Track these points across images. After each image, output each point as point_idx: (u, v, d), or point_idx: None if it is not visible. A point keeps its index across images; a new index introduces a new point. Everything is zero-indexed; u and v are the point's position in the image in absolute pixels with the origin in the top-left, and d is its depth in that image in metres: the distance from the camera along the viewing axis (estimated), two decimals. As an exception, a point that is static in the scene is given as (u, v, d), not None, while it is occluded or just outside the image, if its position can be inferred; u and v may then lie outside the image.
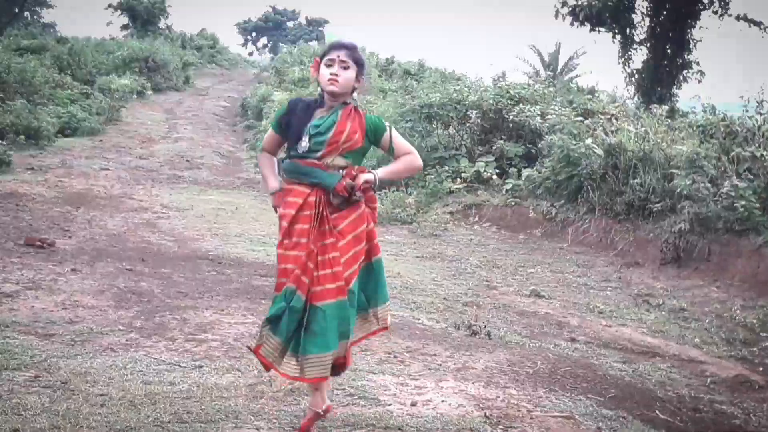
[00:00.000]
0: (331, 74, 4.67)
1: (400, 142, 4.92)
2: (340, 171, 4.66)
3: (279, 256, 4.73)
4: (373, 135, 4.80)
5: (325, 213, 4.65)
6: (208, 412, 5.11)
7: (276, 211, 4.83)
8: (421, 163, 5.02)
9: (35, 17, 56.04)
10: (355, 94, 4.85)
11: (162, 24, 52.48)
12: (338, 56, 4.68)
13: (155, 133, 25.44)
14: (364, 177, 4.67)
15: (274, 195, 4.89)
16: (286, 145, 4.88)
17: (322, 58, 4.77)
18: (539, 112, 17.76)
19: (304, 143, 4.67)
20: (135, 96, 30.58)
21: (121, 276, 9.10)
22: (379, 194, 15.79)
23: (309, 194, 4.65)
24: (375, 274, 5.01)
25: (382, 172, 4.79)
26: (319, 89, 4.84)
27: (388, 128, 4.85)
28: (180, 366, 6.09)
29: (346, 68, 4.69)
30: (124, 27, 52.09)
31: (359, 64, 4.74)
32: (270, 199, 4.97)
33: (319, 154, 4.67)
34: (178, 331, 7.17)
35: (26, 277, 8.49)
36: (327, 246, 4.64)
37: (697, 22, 27.86)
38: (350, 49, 4.74)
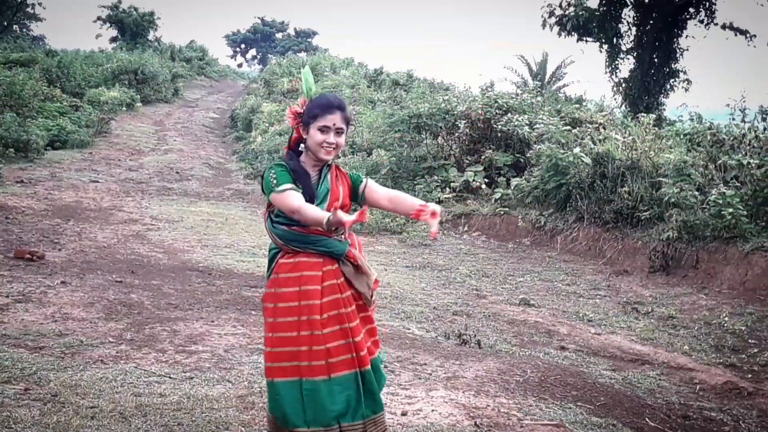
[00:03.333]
0: (327, 143, 4.36)
1: (379, 188, 4.67)
2: (342, 237, 4.45)
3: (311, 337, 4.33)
4: (353, 191, 4.59)
5: (341, 281, 4.43)
6: (198, 423, 5.12)
7: (342, 223, 4.12)
8: None
9: (24, 30, 56.05)
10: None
11: (151, 36, 52.62)
12: (334, 123, 4.36)
13: (145, 145, 25.44)
14: (434, 206, 4.42)
15: (334, 217, 4.15)
16: (273, 210, 4.47)
17: (310, 118, 4.40)
18: (527, 122, 17.84)
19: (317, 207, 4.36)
20: (124, 108, 30.60)
21: (111, 288, 9.09)
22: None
23: (324, 263, 4.39)
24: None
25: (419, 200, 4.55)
26: (301, 145, 4.52)
27: (364, 180, 4.63)
28: (170, 378, 6.10)
29: (340, 134, 4.42)
30: (113, 39, 52.22)
31: (348, 125, 4.52)
32: (332, 219, 4.13)
33: None
34: (168, 342, 7.18)
35: (16, 289, 8.49)
36: (346, 315, 4.42)
37: (684, 31, 28.12)
38: (343, 110, 4.44)
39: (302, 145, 4.49)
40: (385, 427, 4.47)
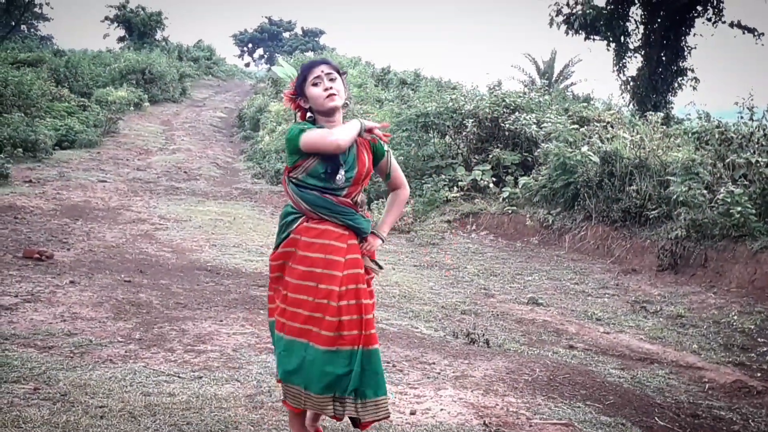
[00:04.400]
0: (325, 90, 4.36)
1: (396, 168, 4.67)
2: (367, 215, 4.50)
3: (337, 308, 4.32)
4: (376, 159, 4.57)
5: (358, 256, 4.42)
6: (207, 422, 5.12)
7: (364, 129, 4.38)
8: (409, 190, 4.78)
9: (32, 30, 56.23)
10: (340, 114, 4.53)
11: (158, 36, 52.74)
12: (322, 71, 4.40)
13: (152, 145, 25.47)
14: (376, 244, 4.52)
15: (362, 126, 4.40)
16: (303, 167, 4.41)
17: (301, 83, 4.45)
18: (535, 120, 17.80)
19: (340, 176, 4.35)
20: (132, 108, 30.65)
21: (120, 288, 9.11)
22: (377, 203, 15.84)
23: (349, 236, 4.40)
24: None
25: (386, 229, 4.62)
26: (308, 116, 4.51)
27: (387, 152, 4.61)
28: (179, 377, 6.10)
29: (333, 79, 4.39)
30: (121, 39, 52.31)
31: (341, 72, 4.50)
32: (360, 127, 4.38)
33: (345, 192, 4.41)
34: (177, 342, 7.19)
35: (25, 289, 8.50)
36: (362, 291, 4.38)
37: (692, 29, 28.07)
38: (326, 63, 4.48)
39: (309, 115, 4.51)
40: (387, 413, 4.42)
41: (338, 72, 4.47)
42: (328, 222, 4.37)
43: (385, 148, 4.59)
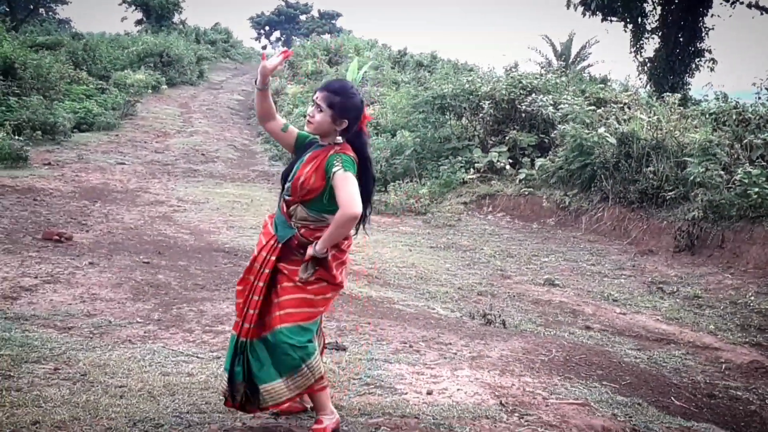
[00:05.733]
0: (307, 114, 4.64)
1: (337, 188, 4.44)
2: (299, 224, 4.62)
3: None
4: (329, 175, 4.51)
5: (272, 258, 4.63)
6: (226, 401, 5.15)
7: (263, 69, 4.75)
8: (350, 213, 4.36)
9: (50, 14, 56.31)
10: (339, 138, 4.61)
11: (176, 19, 52.66)
12: (317, 98, 4.58)
13: (170, 128, 25.51)
14: (309, 252, 4.55)
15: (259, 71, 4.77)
16: None
17: None
18: (552, 102, 17.74)
19: (286, 184, 4.69)
20: (150, 91, 30.66)
21: (139, 269, 9.17)
22: (393, 185, 15.87)
23: (272, 237, 4.68)
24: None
25: (319, 245, 4.51)
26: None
27: (333, 172, 4.46)
28: (198, 357, 6.16)
29: (320, 111, 4.55)
30: (139, 22, 52.26)
31: (334, 108, 4.54)
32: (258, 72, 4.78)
33: (288, 201, 4.68)
34: (196, 322, 7.24)
35: (44, 270, 8.57)
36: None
37: (709, 10, 27.84)
38: (330, 91, 4.58)
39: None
40: (279, 400, 4.61)
41: (331, 106, 4.55)
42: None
43: (334, 169, 4.46)
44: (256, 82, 4.76)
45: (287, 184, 4.64)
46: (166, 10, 51.05)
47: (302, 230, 4.59)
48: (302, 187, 4.53)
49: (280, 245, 4.61)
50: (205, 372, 5.74)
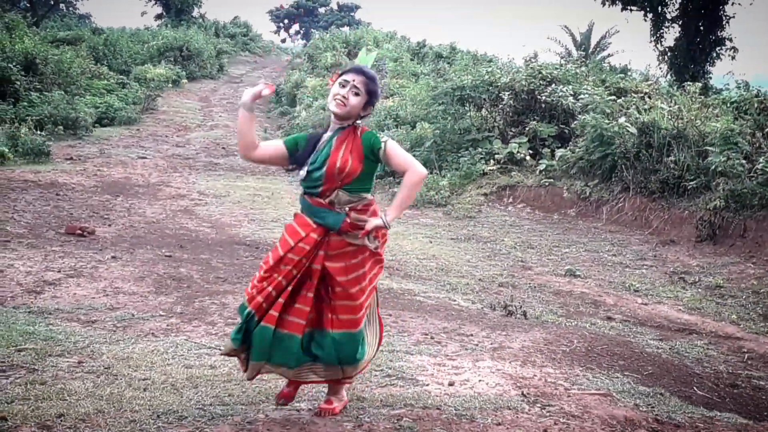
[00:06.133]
0: (339, 94, 4.57)
1: (396, 156, 4.62)
2: (346, 209, 4.59)
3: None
4: (372, 154, 4.60)
5: (321, 253, 4.60)
6: (249, 394, 5.19)
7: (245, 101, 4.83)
8: (421, 172, 4.62)
9: (71, 9, 56.44)
10: (359, 122, 4.71)
11: (195, 13, 52.69)
12: (354, 80, 4.57)
13: (191, 121, 25.61)
14: (373, 223, 4.56)
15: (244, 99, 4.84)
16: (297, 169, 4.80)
17: (341, 75, 4.67)
18: (572, 92, 17.67)
19: (303, 173, 4.68)
20: (170, 85, 30.79)
21: (161, 262, 9.22)
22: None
23: (313, 230, 4.60)
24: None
25: (392, 213, 4.59)
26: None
27: (383, 144, 4.59)
28: (220, 350, 6.18)
29: (356, 94, 4.57)
30: (158, 16, 52.33)
31: (371, 95, 4.63)
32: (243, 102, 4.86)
33: (319, 191, 4.63)
34: (218, 315, 7.28)
35: (68, 265, 8.64)
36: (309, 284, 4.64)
37: (730, -2, 27.59)
38: (369, 78, 4.62)
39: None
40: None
41: (369, 93, 4.62)
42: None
43: (382, 139, 4.63)
44: (243, 105, 4.82)
45: (317, 174, 4.61)
46: (185, 5, 51.11)
47: (351, 213, 4.58)
48: (341, 171, 4.54)
49: (330, 237, 4.61)
50: (228, 365, 5.76)
